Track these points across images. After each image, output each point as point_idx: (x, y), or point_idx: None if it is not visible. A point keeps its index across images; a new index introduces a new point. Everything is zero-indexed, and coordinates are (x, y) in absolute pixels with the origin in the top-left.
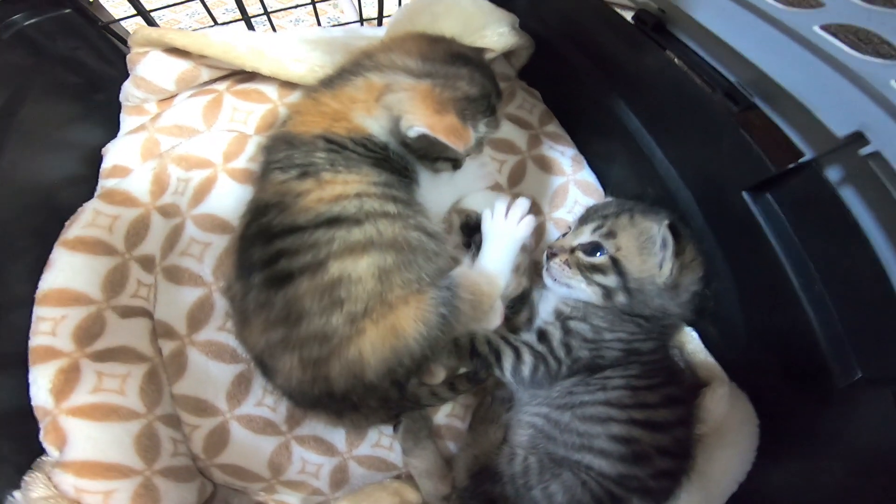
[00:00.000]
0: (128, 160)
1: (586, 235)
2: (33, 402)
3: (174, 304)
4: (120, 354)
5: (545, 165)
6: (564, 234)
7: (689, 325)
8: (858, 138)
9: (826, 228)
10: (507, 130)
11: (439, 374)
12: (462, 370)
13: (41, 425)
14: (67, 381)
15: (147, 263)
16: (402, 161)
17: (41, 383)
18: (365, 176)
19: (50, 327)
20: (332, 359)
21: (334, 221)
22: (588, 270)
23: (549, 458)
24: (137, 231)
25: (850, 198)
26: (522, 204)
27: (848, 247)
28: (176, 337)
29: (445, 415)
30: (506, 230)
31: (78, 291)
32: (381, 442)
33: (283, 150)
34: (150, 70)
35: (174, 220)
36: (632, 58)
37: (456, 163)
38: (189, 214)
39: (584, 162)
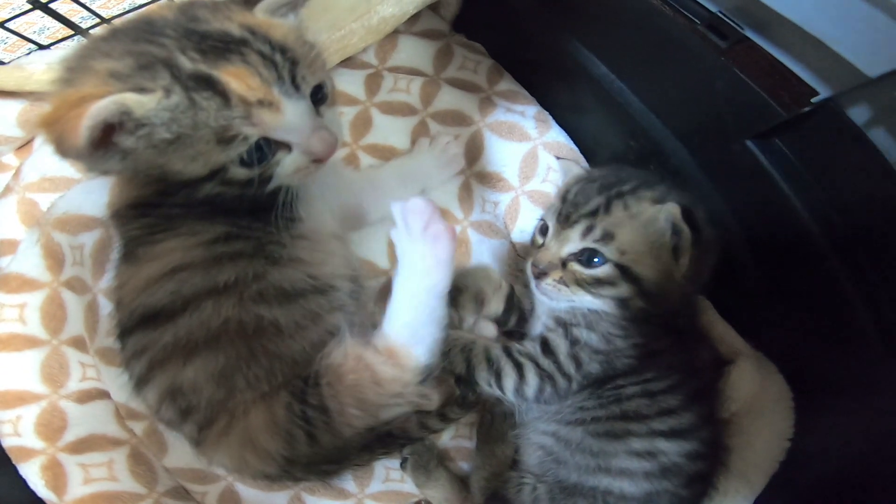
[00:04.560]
0: (11, 232)
1: (575, 242)
2: (41, 496)
3: (124, 386)
4: (93, 444)
5: (505, 132)
6: (541, 234)
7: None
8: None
9: (853, 175)
10: (452, 98)
11: (434, 400)
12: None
13: None
14: (56, 476)
15: (81, 345)
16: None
17: (35, 480)
18: (190, 237)
19: (11, 428)
20: (212, 461)
21: (147, 320)
22: (592, 285)
23: (560, 488)
24: (53, 314)
25: (882, 140)
26: (418, 206)
27: (881, 195)
28: (142, 417)
29: (451, 437)
30: (413, 253)
31: (19, 390)
32: (391, 476)
33: (115, 230)
34: None
35: (85, 296)
36: None
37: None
38: (97, 289)
39: (551, 119)
